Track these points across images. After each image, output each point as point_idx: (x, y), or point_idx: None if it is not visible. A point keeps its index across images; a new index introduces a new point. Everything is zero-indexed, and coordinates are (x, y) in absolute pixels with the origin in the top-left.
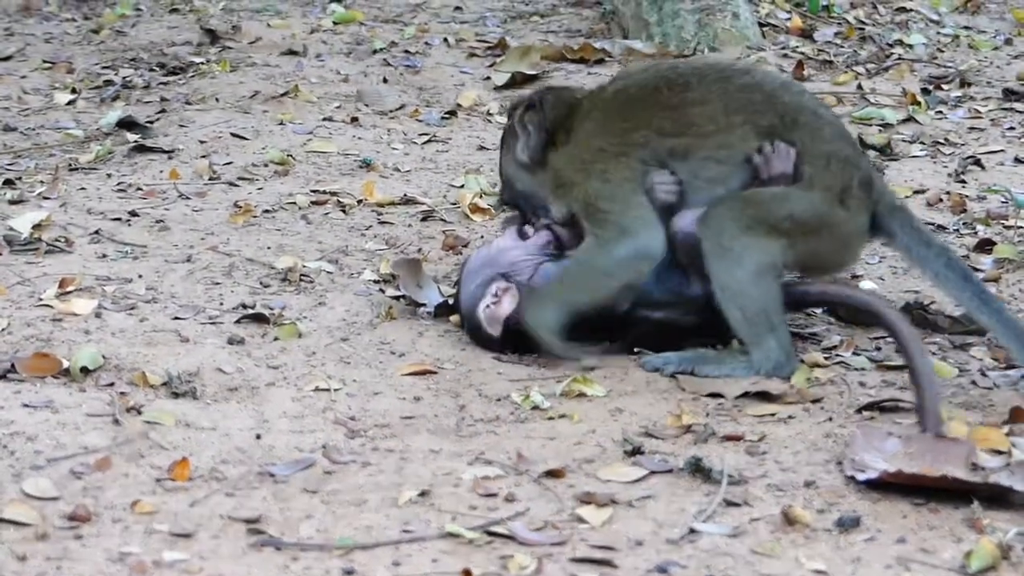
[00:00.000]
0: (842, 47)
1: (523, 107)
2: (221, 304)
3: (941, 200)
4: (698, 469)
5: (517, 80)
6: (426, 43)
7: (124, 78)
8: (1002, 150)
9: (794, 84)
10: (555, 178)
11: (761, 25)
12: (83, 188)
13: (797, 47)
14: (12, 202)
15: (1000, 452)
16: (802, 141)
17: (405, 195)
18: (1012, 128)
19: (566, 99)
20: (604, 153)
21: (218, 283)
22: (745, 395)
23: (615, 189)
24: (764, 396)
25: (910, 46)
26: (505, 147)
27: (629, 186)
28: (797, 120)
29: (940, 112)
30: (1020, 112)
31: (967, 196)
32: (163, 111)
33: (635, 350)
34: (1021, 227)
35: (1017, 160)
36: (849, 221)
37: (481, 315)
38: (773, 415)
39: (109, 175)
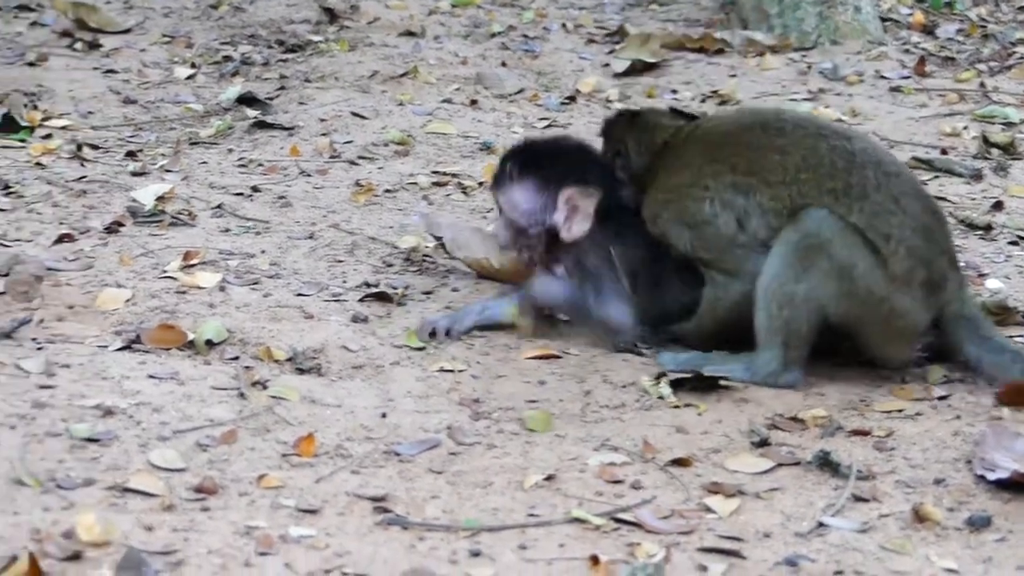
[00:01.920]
0: (964, 44)
1: (612, 155)
2: (344, 282)
3: None
4: (826, 463)
5: (637, 68)
6: (544, 28)
7: (243, 54)
8: None
9: (895, 164)
10: (648, 217)
11: (883, 20)
12: (204, 162)
13: (919, 43)
14: (135, 174)
15: None
16: (863, 216)
17: None
18: None
19: (653, 139)
20: (684, 191)
21: (341, 261)
22: (874, 390)
23: (706, 232)
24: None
25: None
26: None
27: (716, 224)
28: (867, 195)
29: None
30: None
31: None
32: (282, 88)
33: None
34: None
35: None
36: (908, 315)
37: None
38: (901, 411)
39: (230, 150)
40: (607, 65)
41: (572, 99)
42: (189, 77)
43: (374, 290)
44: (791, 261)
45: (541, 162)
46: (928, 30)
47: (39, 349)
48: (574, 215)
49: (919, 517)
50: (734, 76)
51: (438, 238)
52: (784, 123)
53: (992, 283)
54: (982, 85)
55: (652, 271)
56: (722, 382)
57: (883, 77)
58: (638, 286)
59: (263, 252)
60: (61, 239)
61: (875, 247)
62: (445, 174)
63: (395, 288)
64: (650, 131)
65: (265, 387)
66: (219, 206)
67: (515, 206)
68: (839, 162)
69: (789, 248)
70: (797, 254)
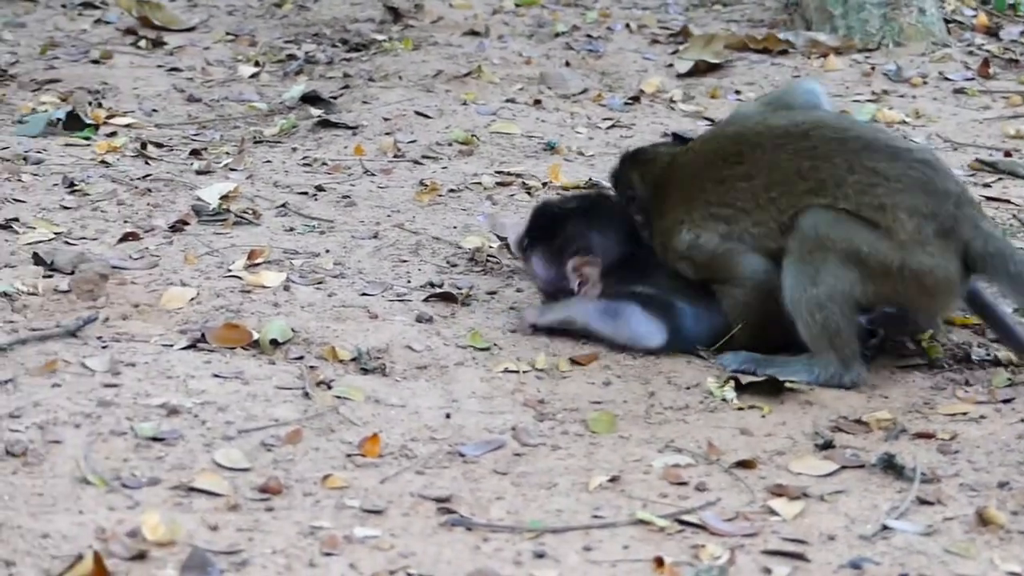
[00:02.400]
0: None
1: (626, 198)
2: (408, 282)
3: None
4: (890, 466)
5: (700, 68)
6: (608, 28)
7: (307, 53)
8: None
9: (859, 137)
10: (657, 250)
11: (947, 22)
12: (268, 161)
13: (982, 45)
14: (199, 172)
15: None
16: (849, 200)
17: (590, 179)
18: None
19: (652, 171)
20: (674, 225)
21: (405, 260)
22: (937, 393)
23: (700, 258)
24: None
25: None
26: None
27: (706, 249)
28: (843, 180)
29: None
30: None
31: None
32: (346, 87)
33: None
34: None
35: None
36: (934, 271)
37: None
38: (965, 414)
39: (294, 149)
40: (671, 65)
41: (636, 99)
42: (253, 75)
43: (438, 290)
44: (801, 268)
45: (547, 235)
46: (992, 32)
47: (104, 348)
48: (584, 282)
49: (983, 520)
50: (797, 77)
51: (502, 238)
52: (741, 145)
53: None
54: None
55: (689, 296)
56: (787, 384)
57: (947, 79)
58: (679, 314)
59: (327, 251)
60: (126, 237)
61: (873, 222)
62: (509, 174)
63: (459, 288)
64: (649, 164)
65: (330, 387)
66: (283, 205)
67: (535, 275)
68: (804, 164)
69: (795, 256)
70: (803, 259)
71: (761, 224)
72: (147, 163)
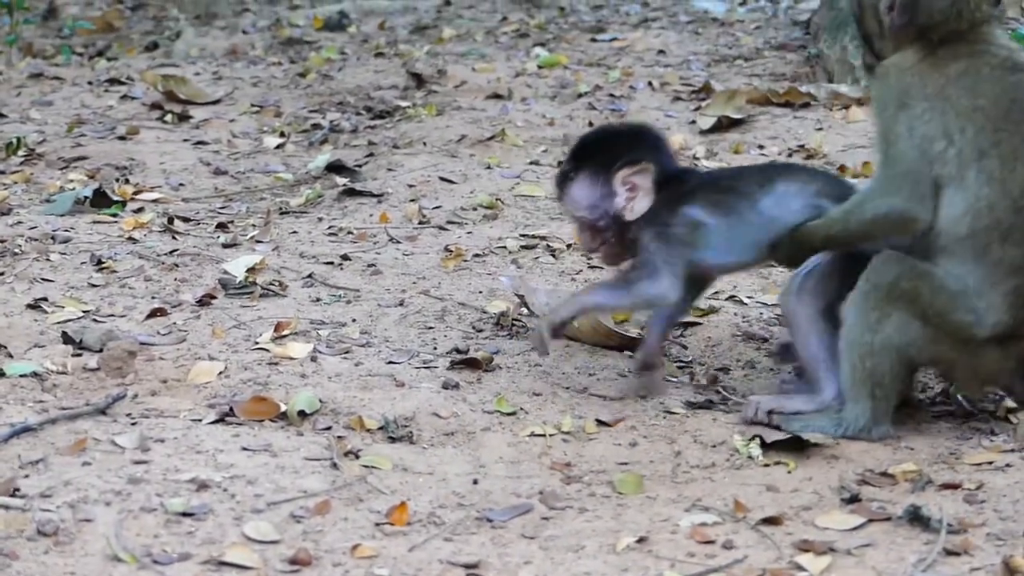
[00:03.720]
0: None
1: None
2: (435, 348)
3: None
4: (917, 517)
5: (723, 124)
6: (631, 87)
7: (331, 122)
8: None
9: None
10: None
11: None
12: (295, 232)
13: None
14: (225, 245)
15: None
16: None
17: None
18: None
19: None
20: None
21: (431, 327)
22: (963, 443)
23: None
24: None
25: None
26: None
27: None
28: None
29: None
30: None
31: None
32: (371, 155)
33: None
34: None
35: None
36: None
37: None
38: (991, 463)
39: (320, 219)
40: (693, 122)
41: None
42: (278, 146)
43: (464, 356)
44: (859, 312)
45: (591, 153)
46: None
47: (133, 424)
48: (634, 194)
49: (1010, 569)
50: (820, 129)
51: (523, 300)
52: None
53: None
54: None
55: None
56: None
57: None
58: (734, 223)
59: (354, 321)
60: (154, 313)
61: None
62: (534, 237)
63: (485, 353)
64: None
65: (357, 456)
66: (310, 275)
67: (578, 204)
68: None
69: (857, 299)
70: (869, 303)
71: None
72: (174, 238)
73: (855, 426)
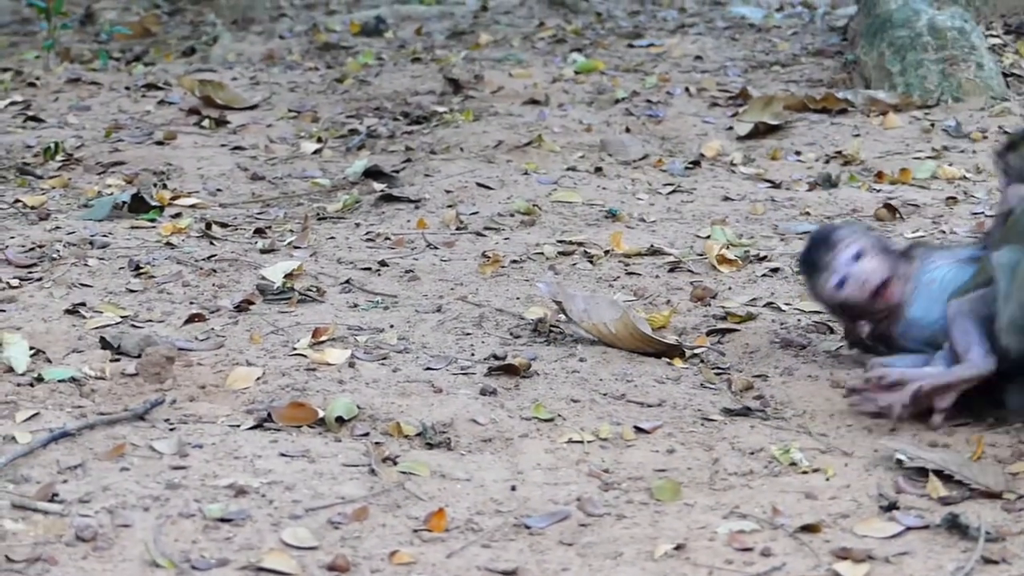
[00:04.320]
0: None
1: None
2: (472, 355)
3: None
4: (955, 525)
5: (760, 130)
6: (667, 92)
7: (369, 127)
8: None
9: None
10: None
11: (1005, 75)
12: (332, 237)
13: None
14: (263, 251)
15: None
16: None
17: (652, 246)
18: None
19: None
20: None
21: (469, 333)
22: (1005, 452)
23: None
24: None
25: None
26: None
27: None
28: None
29: None
30: None
31: None
32: (408, 160)
33: None
34: None
35: None
36: None
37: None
38: None
39: (357, 224)
40: (730, 128)
41: (696, 163)
42: (316, 151)
43: (502, 362)
44: None
45: None
46: None
47: (172, 430)
48: None
49: None
50: (857, 136)
51: (561, 306)
52: None
53: None
54: None
55: None
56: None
57: (1007, 133)
58: None
59: (391, 327)
60: (192, 319)
61: None
62: (571, 243)
63: (523, 360)
64: None
65: (395, 463)
66: (347, 281)
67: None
68: None
69: None
70: None
71: None
72: (212, 243)
73: None
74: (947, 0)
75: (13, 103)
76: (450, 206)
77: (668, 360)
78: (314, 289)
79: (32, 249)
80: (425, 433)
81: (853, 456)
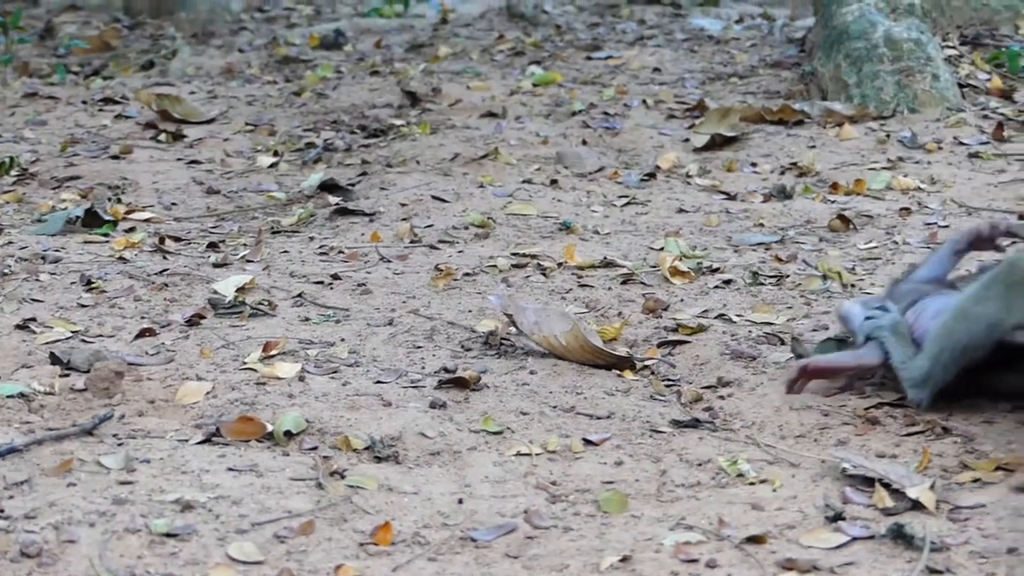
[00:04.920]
0: None
1: None
2: (423, 368)
3: None
4: (900, 536)
5: (716, 142)
6: (625, 104)
7: (326, 140)
8: None
9: None
10: None
11: (961, 86)
12: (286, 251)
13: (997, 108)
14: (216, 265)
15: None
16: None
17: (605, 258)
18: None
19: None
20: None
21: (419, 347)
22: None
23: None
24: (965, 466)
25: None
26: None
27: None
28: None
29: None
30: None
31: None
32: (364, 173)
33: None
34: None
35: None
36: None
37: None
38: (975, 481)
39: (311, 238)
40: (687, 140)
41: (652, 175)
42: (272, 165)
43: (452, 375)
44: None
45: None
46: (1006, 95)
47: (120, 445)
48: None
49: None
50: (813, 147)
51: (512, 319)
52: None
53: None
54: None
55: None
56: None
57: (961, 143)
58: None
59: (342, 340)
60: (142, 333)
61: None
62: (525, 255)
63: (473, 373)
64: None
65: (343, 476)
66: (299, 295)
67: None
68: None
69: None
70: None
71: None
72: (165, 258)
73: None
74: (903, 12)
75: None
76: (405, 219)
77: (618, 372)
78: (266, 303)
79: None
80: (373, 447)
81: (800, 467)
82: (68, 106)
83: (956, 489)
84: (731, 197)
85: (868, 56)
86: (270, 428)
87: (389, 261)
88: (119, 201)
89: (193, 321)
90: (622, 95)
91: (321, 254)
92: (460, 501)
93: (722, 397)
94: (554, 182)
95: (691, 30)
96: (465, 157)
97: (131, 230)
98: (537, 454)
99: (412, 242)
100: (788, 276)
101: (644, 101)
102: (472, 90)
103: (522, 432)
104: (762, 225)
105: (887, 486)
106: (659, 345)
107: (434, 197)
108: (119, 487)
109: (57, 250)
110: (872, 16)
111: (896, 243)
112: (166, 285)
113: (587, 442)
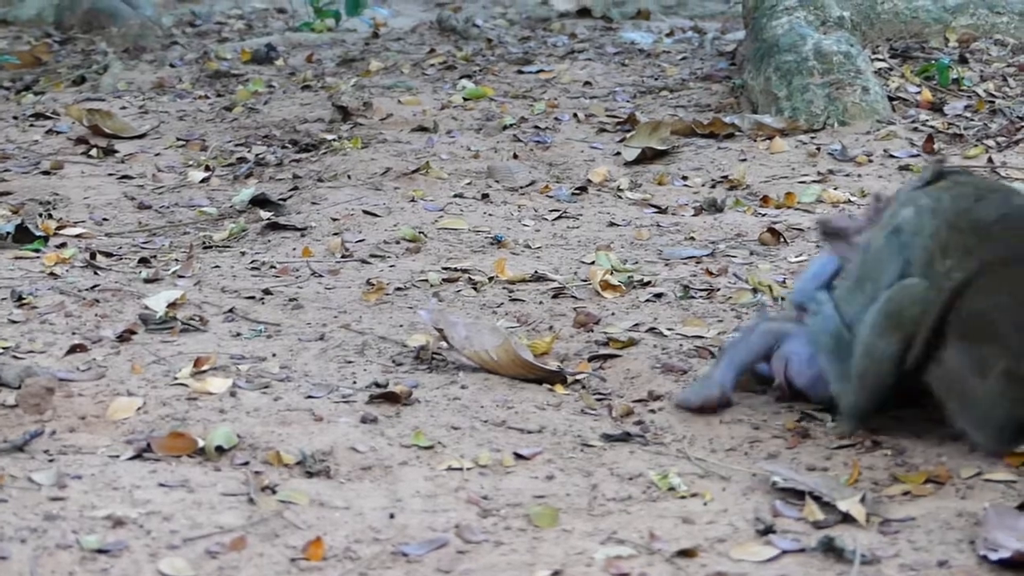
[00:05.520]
0: (972, 120)
1: None
2: (354, 383)
3: None
4: (830, 548)
5: (647, 155)
6: (556, 118)
7: (257, 155)
8: None
9: None
10: None
11: (891, 99)
12: (217, 266)
13: (927, 121)
14: (147, 280)
15: None
16: None
17: (536, 272)
18: None
19: None
20: None
21: (351, 361)
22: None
23: None
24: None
25: None
26: None
27: None
28: None
29: None
30: None
31: None
32: (295, 188)
33: None
34: None
35: None
36: None
37: None
38: (906, 494)
39: (243, 253)
40: (618, 154)
41: (583, 189)
42: (203, 180)
43: (383, 390)
44: None
45: None
46: (936, 107)
47: (51, 461)
48: None
49: None
50: (744, 160)
51: (443, 334)
52: None
53: None
54: (990, 161)
55: None
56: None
57: (892, 156)
58: None
59: (274, 355)
60: (73, 349)
61: None
62: (456, 270)
63: (404, 387)
64: None
65: (274, 492)
66: (231, 310)
67: None
68: None
69: None
70: None
71: None
72: (96, 273)
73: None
74: (833, 25)
75: None
76: (336, 234)
77: (549, 386)
78: (197, 318)
79: None
80: (305, 461)
81: (731, 480)
82: None
83: (886, 502)
84: (662, 211)
85: (798, 69)
86: (201, 443)
87: (320, 276)
88: (50, 217)
89: (124, 337)
90: (553, 109)
91: (252, 269)
92: (391, 516)
93: (653, 411)
94: (485, 196)
95: (622, 44)
96: (396, 171)
97: (62, 246)
98: (468, 468)
99: (343, 257)
100: (719, 289)
101: (575, 115)
102: (403, 104)
103: (453, 447)
104: (693, 239)
105: (818, 499)
106: (590, 359)
107: (365, 212)
108: (50, 503)
109: None
110: (802, 29)
111: None
112: (97, 301)
113: (518, 456)
